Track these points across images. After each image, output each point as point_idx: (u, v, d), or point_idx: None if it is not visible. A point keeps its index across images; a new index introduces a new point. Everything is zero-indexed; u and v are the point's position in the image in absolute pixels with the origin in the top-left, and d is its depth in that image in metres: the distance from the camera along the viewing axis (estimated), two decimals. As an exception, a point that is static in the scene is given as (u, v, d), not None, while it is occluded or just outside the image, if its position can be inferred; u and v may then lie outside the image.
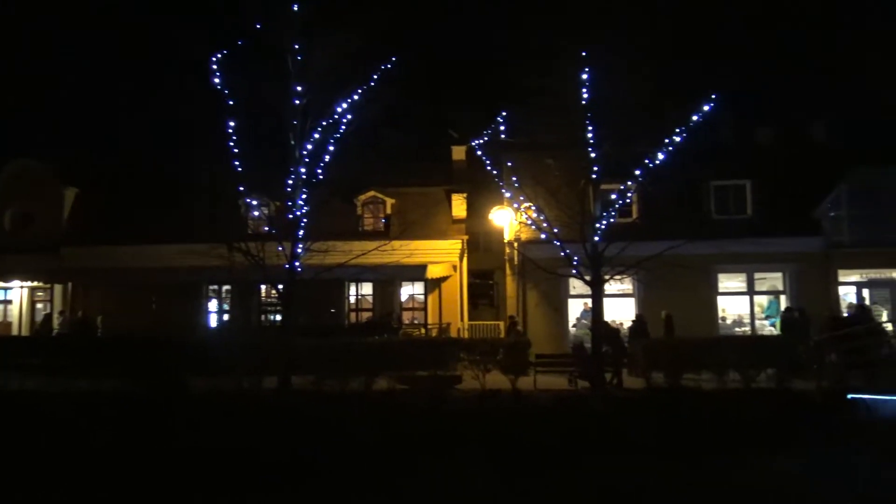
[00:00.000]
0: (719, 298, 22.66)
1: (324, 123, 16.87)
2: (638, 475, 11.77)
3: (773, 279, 22.92)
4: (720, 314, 22.69)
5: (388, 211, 25.47)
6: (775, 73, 37.72)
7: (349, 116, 16.88)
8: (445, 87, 34.48)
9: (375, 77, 16.75)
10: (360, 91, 16.76)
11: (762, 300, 22.96)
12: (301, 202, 16.86)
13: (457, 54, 39.90)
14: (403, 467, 12.16)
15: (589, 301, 18.91)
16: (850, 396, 13.85)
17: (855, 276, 22.46)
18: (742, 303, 22.89)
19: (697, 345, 16.45)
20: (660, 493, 10.69)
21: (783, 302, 22.11)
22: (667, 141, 16.36)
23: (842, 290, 22.09)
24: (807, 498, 10.11)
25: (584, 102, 16.42)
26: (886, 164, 21.67)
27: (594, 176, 16.96)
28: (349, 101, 16.78)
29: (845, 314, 20.30)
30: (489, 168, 18.58)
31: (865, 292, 22.39)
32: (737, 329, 22.57)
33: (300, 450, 12.13)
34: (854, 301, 21.98)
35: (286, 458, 11.81)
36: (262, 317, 25.20)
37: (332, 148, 16.95)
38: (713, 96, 16.29)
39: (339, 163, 17.17)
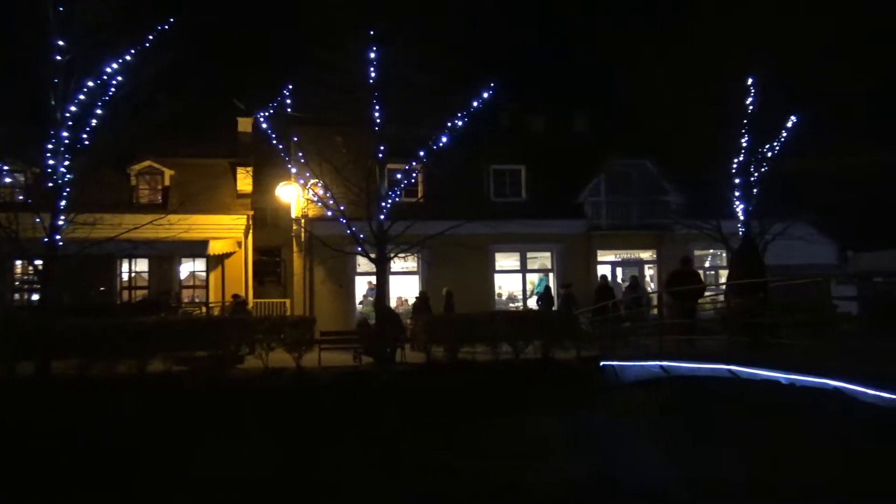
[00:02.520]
0: (496, 276, 24.16)
1: (90, 84, 15.42)
2: (416, 437, 12.52)
3: (543, 258, 24.87)
4: (496, 291, 24.22)
5: (167, 183, 23.92)
6: (547, 64, 40.72)
7: (120, 78, 15.57)
8: (231, 55, 32.91)
9: (150, 38, 15.62)
10: (132, 51, 15.53)
11: (533, 277, 24.82)
12: (63, 170, 15.34)
13: (244, 22, 38.18)
14: (179, 450, 11.73)
15: (374, 279, 19.27)
16: (602, 363, 15.47)
17: (610, 256, 25.10)
18: (516, 280, 24.63)
19: (474, 320, 17.40)
20: (435, 450, 11.52)
21: (551, 279, 24.08)
22: (449, 124, 17.04)
23: (599, 268, 24.54)
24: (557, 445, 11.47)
25: (371, 81, 16.58)
26: (636, 156, 24.28)
27: (380, 155, 17.23)
28: (120, 61, 15.48)
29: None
30: (274, 142, 18.14)
31: (619, 270, 25.10)
32: (511, 305, 24.25)
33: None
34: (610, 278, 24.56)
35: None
36: (17, 296, 22.60)
37: (100, 112, 15.55)
38: (492, 84, 17.20)
39: (109, 128, 15.81)
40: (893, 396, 8.05)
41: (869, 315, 11.88)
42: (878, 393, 8.31)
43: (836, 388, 8.97)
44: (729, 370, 11.03)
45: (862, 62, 18.01)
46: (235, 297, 20.76)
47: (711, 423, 11.60)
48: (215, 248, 22.97)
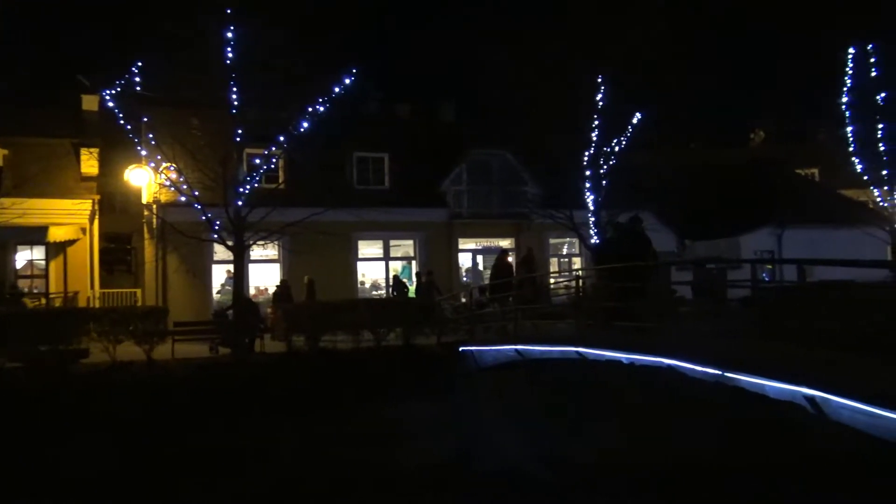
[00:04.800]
0: (359, 264, 24.12)
1: None
2: (276, 427, 12.37)
3: (406, 246, 25.10)
4: (359, 279, 24.20)
5: (0, 163, 21.95)
6: (413, 54, 41.02)
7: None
8: (75, 27, 30.60)
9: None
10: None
11: (397, 265, 25.01)
12: None
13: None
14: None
15: (232, 267, 18.66)
16: (461, 349, 15.87)
17: (471, 244, 25.76)
18: (379, 268, 24.71)
19: (335, 308, 17.29)
20: (296, 439, 11.43)
21: (414, 267, 24.36)
22: (311, 110, 16.76)
23: (461, 256, 25.12)
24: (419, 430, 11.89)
25: (228, 62, 15.99)
26: (497, 147, 25.00)
27: (238, 139, 16.67)
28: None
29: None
30: (122, 122, 17.09)
31: (479, 258, 25.80)
32: (374, 293, 24.31)
33: None
34: (471, 265, 25.25)
35: None
36: None
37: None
38: (354, 70, 17.09)
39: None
40: (716, 371, 8.86)
41: (698, 299, 12.96)
42: (703, 369, 9.12)
43: (669, 366, 9.75)
44: (577, 352, 11.67)
45: (699, 65, 19.56)
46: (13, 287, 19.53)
47: (561, 402, 12.24)
48: (56, 234, 21.37)
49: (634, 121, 20.20)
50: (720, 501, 9.08)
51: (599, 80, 19.66)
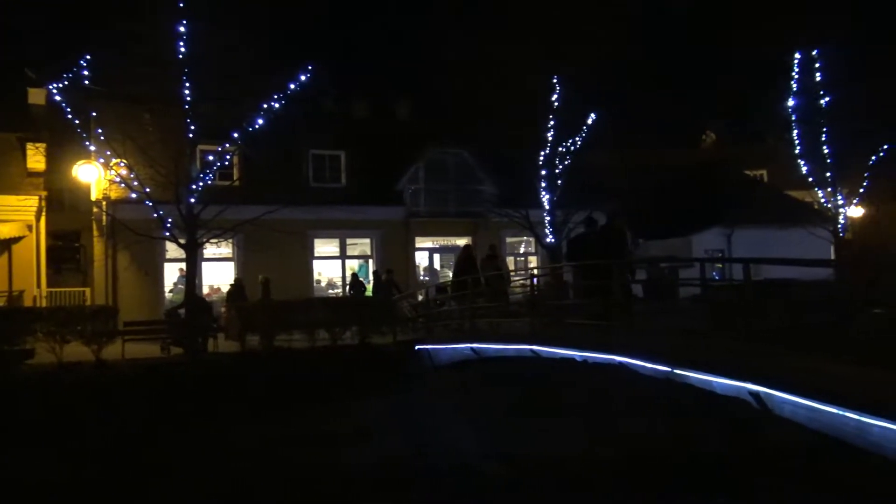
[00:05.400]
0: (315, 262, 23.94)
1: None
2: (230, 427, 12.23)
3: (363, 244, 24.99)
4: (316, 277, 24.02)
5: (-61, 158, 21.23)
6: (371, 51, 40.85)
7: None
8: (21, 19, 29.64)
9: None
10: None
11: (353, 264, 24.88)
12: None
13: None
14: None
15: (184, 265, 18.35)
16: (417, 347, 15.90)
17: (428, 243, 25.77)
18: (335, 266, 24.55)
19: (291, 307, 17.15)
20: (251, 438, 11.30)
21: (371, 265, 24.27)
22: (266, 106, 16.58)
23: (418, 255, 25.11)
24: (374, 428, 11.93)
25: (181, 57, 15.71)
26: (454, 146, 25.07)
27: (191, 135, 16.40)
28: None
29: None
30: (70, 117, 16.66)
31: (436, 257, 25.84)
32: (330, 291, 24.16)
33: None
34: (428, 264, 25.28)
35: None
36: None
37: None
38: (310, 67, 16.95)
39: None
40: (666, 369, 9.06)
41: (648, 297, 13.21)
42: (654, 366, 9.32)
43: (621, 363, 9.93)
44: (531, 350, 11.81)
45: (652, 68, 19.95)
46: None
47: (515, 400, 12.36)
48: (0, 231, 20.73)
49: (589, 121, 20.48)
50: (669, 495, 9.27)
51: (555, 80, 19.88)
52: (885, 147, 23.38)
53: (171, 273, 21.79)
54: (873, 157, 23.69)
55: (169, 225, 16.40)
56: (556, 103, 20.01)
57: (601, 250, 11.43)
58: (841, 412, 6.57)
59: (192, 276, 16.96)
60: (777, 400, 7.47)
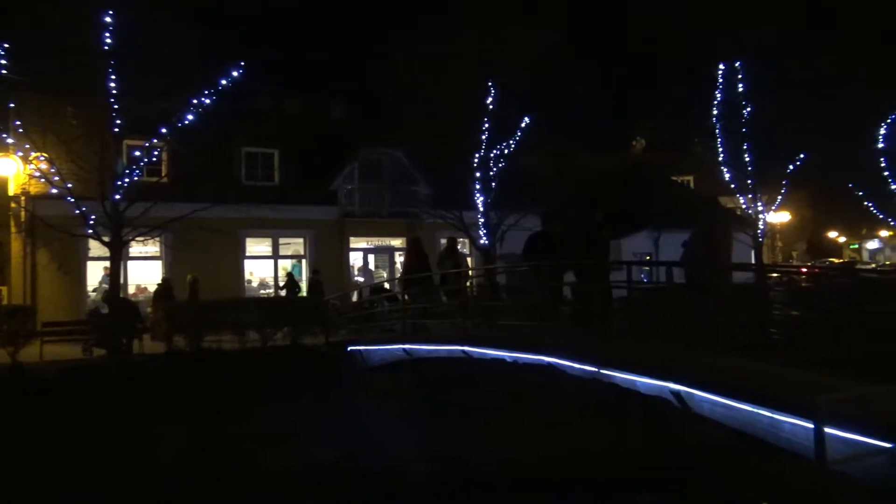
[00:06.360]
0: (246, 262, 23.51)
1: None
2: (155, 430, 11.89)
3: (296, 244, 24.68)
4: (247, 277, 23.59)
5: None
6: (306, 49, 40.39)
7: None
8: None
9: None
10: None
11: (286, 263, 24.54)
12: None
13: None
14: None
15: (109, 264, 17.75)
16: (349, 348, 15.80)
17: (363, 243, 25.65)
18: (267, 266, 24.17)
19: (219, 306, 16.80)
20: (176, 442, 11.01)
21: (304, 266, 23.99)
22: (196, 102, 16.20)
23: (352, 255, 24.96)
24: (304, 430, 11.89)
25: (106, 48, 15.19)
26: (389, 146, 25.03)
27: (116, 129, 15.88)
28: None
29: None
30: (-14, 108, 15.92)
31: (371, 257, 25.73)
32: (262, 291, 23.77)
33: None
34: (362, 264, 25.16)
35: None
36: None
37: None
38: (241, 63, 16.64)
39: None
40: (593, 369, 9.27)
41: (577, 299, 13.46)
42: (581, 366, 9.52)
43: (549, 364, 10.11)
44: (463, 351, 11.89)
45: (584, 73, 20.39)
46: None
47: (447, 400, 12.44)
48: None
49: (523, 125, 20.77)
50: (593, 493, 9.50)
51: (489, 83, 20.10)
52: (802, 156, 24.57)
53: (95, 272, 21.05)
54: (791, 166, 24.87)
55: (92, 222, 15.85)
56: (490, 106, 20.21)
57: (571, 249, 11.36)
58: (754, 409, 6.85)
59: (116, 275, 16.45)
60: (697, 398, 7.74)
